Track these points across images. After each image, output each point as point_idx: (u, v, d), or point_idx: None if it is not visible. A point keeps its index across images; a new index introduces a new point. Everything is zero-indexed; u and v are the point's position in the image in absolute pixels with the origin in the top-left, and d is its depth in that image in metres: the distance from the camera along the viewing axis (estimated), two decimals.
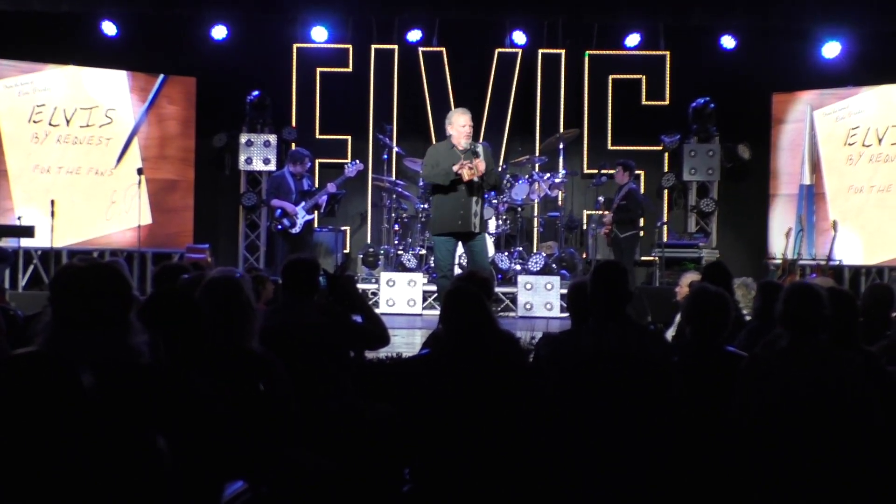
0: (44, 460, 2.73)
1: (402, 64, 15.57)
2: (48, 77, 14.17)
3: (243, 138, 15.05)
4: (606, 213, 13.53)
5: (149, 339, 3.51)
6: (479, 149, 10.13)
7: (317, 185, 13.88)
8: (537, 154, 14.83)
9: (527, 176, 14.14)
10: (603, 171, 14.22)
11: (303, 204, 12.97)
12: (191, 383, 3.51)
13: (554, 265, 13.89)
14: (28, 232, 13.01)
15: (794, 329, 4.66)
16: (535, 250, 14.50)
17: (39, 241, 13.30)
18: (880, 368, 4.91)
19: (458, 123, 10.19)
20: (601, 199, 14.08)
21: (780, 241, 14.19)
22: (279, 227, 13.06)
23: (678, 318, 7.98)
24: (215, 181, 15.68)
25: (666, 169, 15.50)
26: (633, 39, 15.39)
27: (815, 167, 14.54)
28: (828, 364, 4.57)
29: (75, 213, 14.09)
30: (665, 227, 14.56)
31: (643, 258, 14.99)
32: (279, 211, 13.03)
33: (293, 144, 14.39)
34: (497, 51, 15.51)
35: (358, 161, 13.59)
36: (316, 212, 13.51)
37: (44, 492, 2.73)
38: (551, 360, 5.07)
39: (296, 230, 12.99)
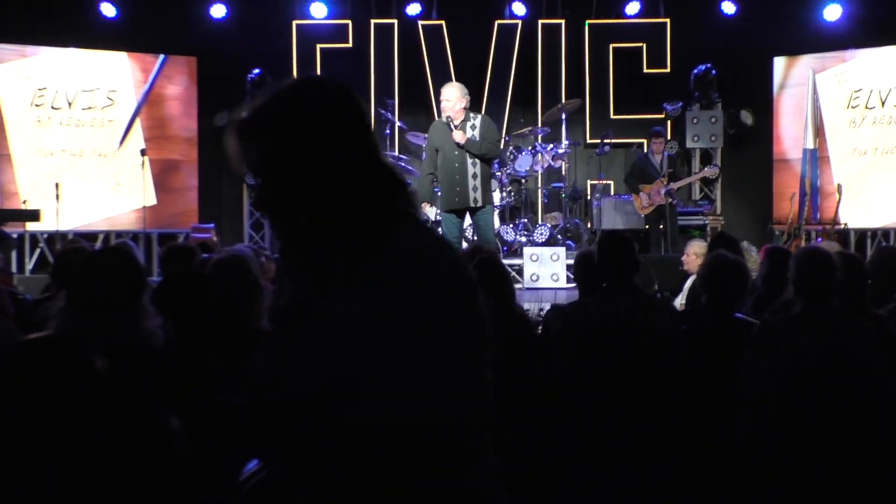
0: (57, 444, 2.75)
1: (402, 38, 15.53)
2: (49, 60, 14.16)
3: None
4: (667, 183, 13.38)
5: (162, 322, 3.53)
6: (477, 121, 10.14)
7: None
8: (539, 125, 14.79)
9: (530, 147, 14.12)
10: (606, 141, 14.20)
11: None
12: (203, 365, 3.53)
13: (559, 236, 13.89)
14: (34, 216, 13.05)
15: (808, 295, 4.65)
16: (539, 221, 14.49)
17: (45, 224, 13.33)
18: (891, 334, 4.90)
19: (441, 99, 10.29)
20: (660, 168, 13.80)
21: (785, 206, 14.18)
22: None
23: (687, 285, 7.98)
24: (218, 160, 15.66)
25: (669, 137, 15.45)
26: (633, 7, 15.35)
27: (819, 131, 14.51)
28: (841, 330, 4.56)
29: (80, 196, 14.09)
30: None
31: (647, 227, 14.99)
32: None
33: None
34: (497, 22, 15.47)
35: None
36: None
37: (57, 474, 2.75)
38: (561, 332, 5.08)
39: None
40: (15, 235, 13.20)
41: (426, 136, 10.76)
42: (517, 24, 15.47)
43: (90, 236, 13.75)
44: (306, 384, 2.01)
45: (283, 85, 2.17)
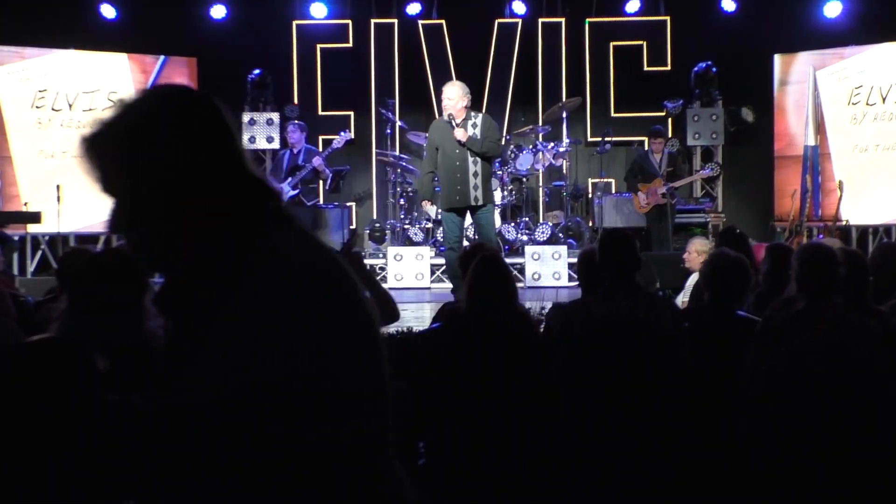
0: (58, 445, 2.74)
1: (403, 38, 15.53)
2: (49, 62, 14.17)
3: (246, 117, 15.02)
4: (665, 182, 13.37)
5: (164, 323, 3.52)
6: (478, 119, 10.11)
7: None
8: (540, 124, 14.80)
9: (530, 146, 14.12)
10: (607, 139, 14.18)
11: (289, 180, 12.95)
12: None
13: (561, 234, 13.88)
14: (35, 218, 13.04)
15: (811, 291, 4.65)
16: (541, 220, 14.49)
17: (47, 226, 13.32)
18: (893, 330, 4.90)
19: (443, 97, 10.26)
20: (665, 168, 13.80)
21: (787, 202, 14.17)
22: None
23: (688, 283, 7.97)
24: None
25: (670, 135, 15.44)
26: (632, 6, 15.35)
27: (820, 128, 14.48)
28: (843, 327, 4.56)
29: (81, 198, 14.07)
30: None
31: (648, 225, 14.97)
32: None
33: (295, 121, 14.35)
34: (497, 21, 15.48)
35: (347, 131, 13.57)
36: (322, 186, 13.49)
37: (59, 476, 2.73)
38: (562, 330, 5.07)
39: None
40: (16, 238, 13.19)
41: (427, 135, 10.75)
42: (517, 23, 15.47)
43: (91, 238, 13.76)
44: (218, 397, 1.90)
45: (131, 97, 2.05)
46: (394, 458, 2.16)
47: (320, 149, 14.43)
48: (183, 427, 1.95)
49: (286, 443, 1.91)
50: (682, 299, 7.98)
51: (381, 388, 2.08)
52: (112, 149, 2.00)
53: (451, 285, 10.41)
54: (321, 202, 14.31)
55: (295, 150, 13.15)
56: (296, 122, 13.48)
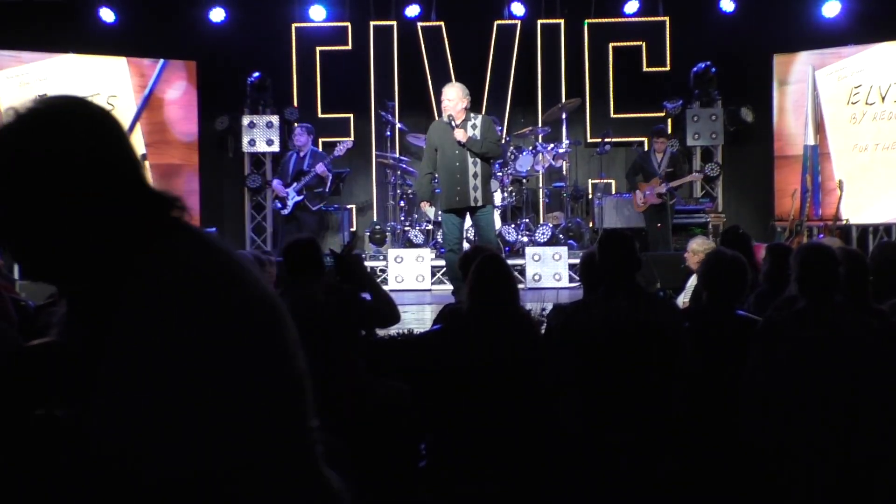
0: (58, 449, 2.73)
1: (402, 40, 15.53)
2: (48, 66, 14.15)
3: (245, 120, 15.02)
4: (660, 182, 13.36)
5: None
6: (477, 121, 10.10)
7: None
8: (540, 125, 14.80)
9: (530, 147, 14.12)
10: (607, 140, 14.18)
11: (294, 185, 12.95)
12: None
13: (561, 235, 13.88)
14: None
15: (811, 291, 4.64)
16: (541, 221, 14.50)
17: None
18: (894, 329, 4.89)
19: (442, 99, 10.25)
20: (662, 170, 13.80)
21: (787, 202, 14.17)
22: (275, 207, 13.26)
23: (689, 283, 7.96)
24: (219, 164, 15.69)
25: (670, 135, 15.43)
26: (631, 6, 15.35)
27: (819, 127, 14.48)
28: (844, 327, 4.55)
29: None
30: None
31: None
32: (275, 192, 13.21)
33: (295, 124, 14.34)
34: (496, 23, 15.48)
35: (348, 140, 13.58)
36: (320, 190, 13.52)
37: (62, 479, 2.73)
38: (563, 331, 5.07)
39: (285, 211, 13.00)
40: None
41: (426, 136, 10.75)
42: (516, 25, 15.47)
43: None
44: (103, 436, 1.87)
45: (24, 106, 1.97)
46: (322, 462, 2.09)
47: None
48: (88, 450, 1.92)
49: (192, 461, 1.85)
50: (682, 299, 7.98)
51: (292, 390, 2.01)
52: None
53: (451, 287, 10.40)
54: (322, 205, 14.30)
55: (301, 154, 13.14)
56: (303, 125, 13.46)
